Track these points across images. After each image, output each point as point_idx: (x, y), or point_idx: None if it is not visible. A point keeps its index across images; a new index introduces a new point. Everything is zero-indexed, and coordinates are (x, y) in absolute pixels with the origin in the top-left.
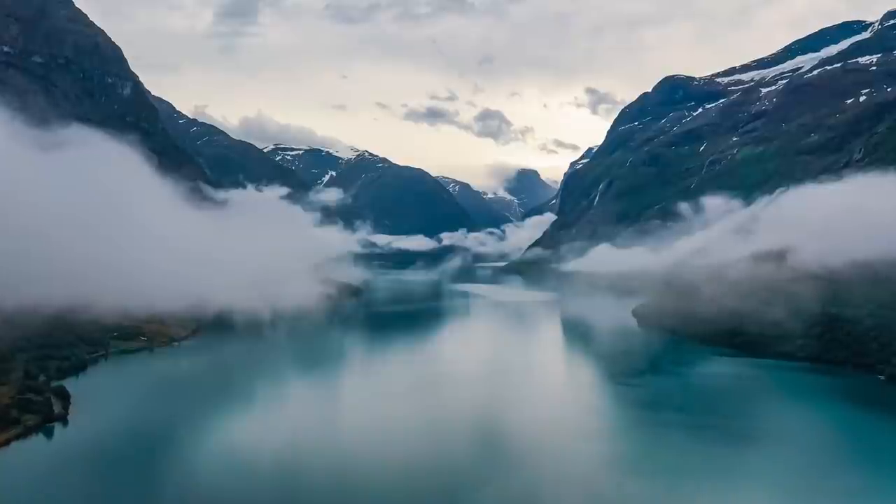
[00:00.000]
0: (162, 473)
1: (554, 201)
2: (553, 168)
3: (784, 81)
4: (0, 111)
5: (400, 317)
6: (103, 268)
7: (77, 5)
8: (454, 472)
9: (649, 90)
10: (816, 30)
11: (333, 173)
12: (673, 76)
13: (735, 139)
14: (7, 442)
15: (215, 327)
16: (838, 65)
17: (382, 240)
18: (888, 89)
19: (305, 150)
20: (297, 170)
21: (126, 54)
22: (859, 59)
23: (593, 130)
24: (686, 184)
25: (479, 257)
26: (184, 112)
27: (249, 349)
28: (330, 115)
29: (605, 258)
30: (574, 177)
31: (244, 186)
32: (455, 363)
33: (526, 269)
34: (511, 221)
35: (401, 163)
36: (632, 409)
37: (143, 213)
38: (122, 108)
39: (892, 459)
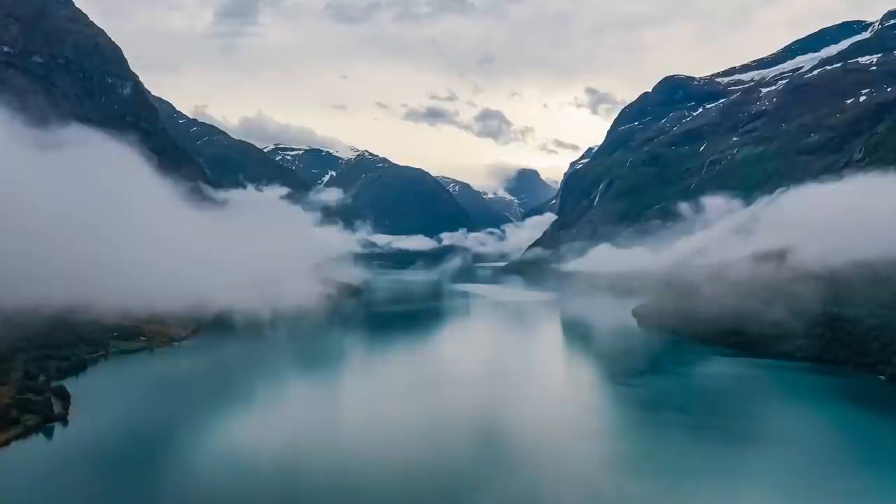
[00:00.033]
0: (162, 473)
1: (554, 201)
2: (553, 168)
3: (784, 81)
4: (0, 111)
5: (400, 317)
6: (103, 268)
7: (77, 5)
8: (454, 472)
9: (649, 90)
10: (816, 30)
11: (333, 173)
12: (673, 76)
13: (735, 139)
14: (7, 442)
15: (215, 327)
16: (838, 65)
17: (382, 240)
18: (888, 89)
19: (305, 150)
20: (297, 170)
21: (126, 54)
22: (859, 59)
23: (593, 130)
24: (686, 184)
25: (479, 257)
26: (184, 112)
27: (249, 349)
28: (330, 115)
29: (605, 258)
30: (574, 177)
31: (244, 186)
32: (455, 363)
33: (526, 269)
34: (511, 221)
35: (401, 163)
36: (632, 409)
37: (143, 213)
38: (122, 108)
39: (893, 460)
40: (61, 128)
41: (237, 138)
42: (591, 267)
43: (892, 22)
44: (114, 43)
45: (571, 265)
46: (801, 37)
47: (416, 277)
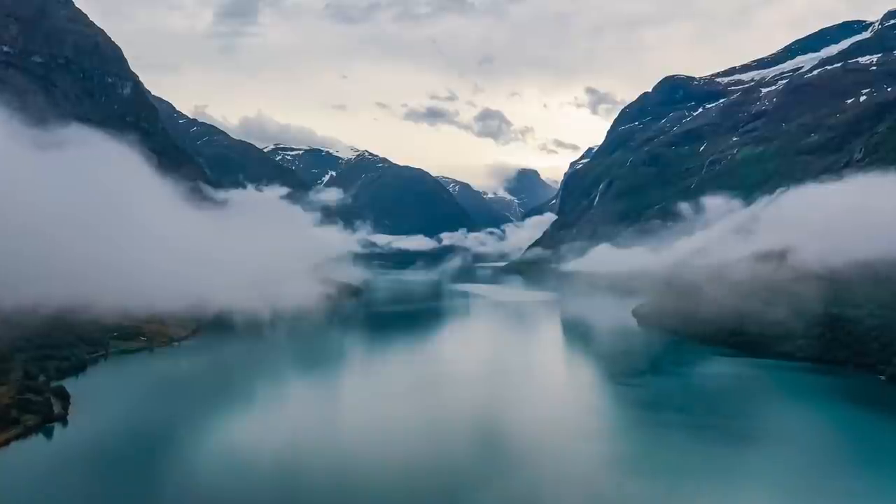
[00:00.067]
0: (162, 473)
1: (554, 201)
2: (553, 168)
3: (784, 81)
4: (0, 111)
5: (400, 317)
6: (103, 268)
7: (77, 5)
8: (454, 472)
9: (649, 90)
10: (816, 30)
11: (333, 173)
12: (673, 76)
13: (735, 139)
14: (7, 442)
15: (215, 327)
16: (838, 65)
17: (382, 240)
18: (888, 89)
19: (305, 150)
20: (297, 170)
21: (126, 54)
22: (859, 59)
23: (593, 130)
24: (686, 184)
25: (479, 257)
26: (184, 112)
27: (249, 349)
28: (330, 115)
29: (606, 258)
30: (574, 177)
31: (244, 186)
32: (455, 363)
33: (526, 269)
34: (511, 221)
35: (401, 163)
36: (632, 409)
37: (143, 213)
38: (122, 107)
39: (893, 460)
40: (61, 128)
41: (237, 138)
42: (591, 267)
43: (892, 22)
44: (114, 43)
45: (571, 265)
46: (801, 37)
47: (416, 277)
